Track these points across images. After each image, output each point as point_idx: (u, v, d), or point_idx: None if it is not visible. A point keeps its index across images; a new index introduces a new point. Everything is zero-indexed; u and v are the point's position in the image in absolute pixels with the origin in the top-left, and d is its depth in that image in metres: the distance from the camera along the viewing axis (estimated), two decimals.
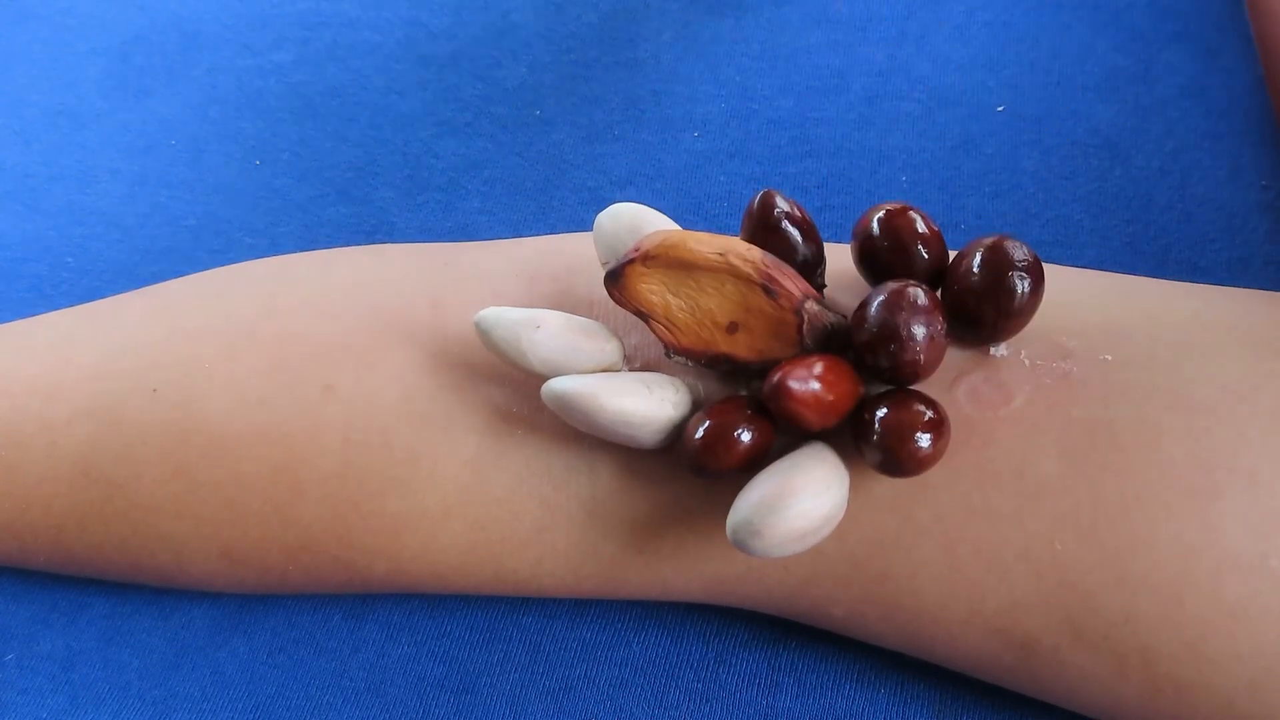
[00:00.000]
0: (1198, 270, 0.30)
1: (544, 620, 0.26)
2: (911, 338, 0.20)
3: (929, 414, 0.20)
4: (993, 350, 0.22)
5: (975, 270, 0.21)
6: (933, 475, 0.21)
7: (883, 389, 0.21)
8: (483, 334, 0.22)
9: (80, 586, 0.28)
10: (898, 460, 0.20)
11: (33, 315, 0.28)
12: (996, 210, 0.32)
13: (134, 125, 0.38)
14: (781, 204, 0.22)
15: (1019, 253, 0.21)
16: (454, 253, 0.27)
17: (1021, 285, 0.21)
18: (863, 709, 0.25)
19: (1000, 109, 0.34)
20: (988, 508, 0.21)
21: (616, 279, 0.21)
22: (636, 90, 0.37)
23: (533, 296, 0.25)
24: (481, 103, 0.37)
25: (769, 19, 0.38)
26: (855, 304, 0.21)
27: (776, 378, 0.20)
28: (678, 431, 0.22)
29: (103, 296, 0.28)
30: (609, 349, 0.23)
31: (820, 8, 0.38)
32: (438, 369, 0.24)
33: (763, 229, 0.22)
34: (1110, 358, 0.21)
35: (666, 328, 0.22)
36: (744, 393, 0.22)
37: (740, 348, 0.21)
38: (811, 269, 0.23)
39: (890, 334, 0.20)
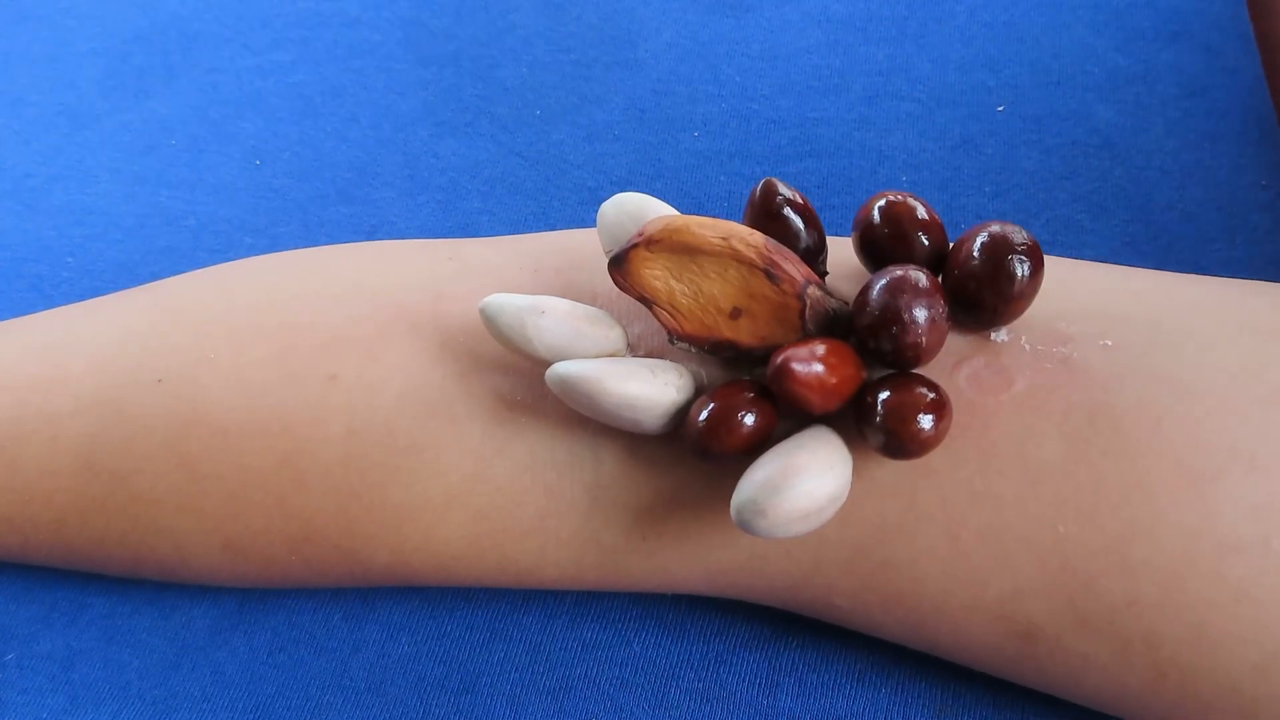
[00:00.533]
0: (1198, 270, 0.30)
1: (544, 620, 0.26)
2: (914, 320, 0.20)
3: (931, 395, 0.20)
4: (993, 335, 0.22)
5: (975, 255, 0.21)
6: (935, 460, 0.21)
7: (885, 373, 0.21)
8: (488, 320, 0.22)
9: (80, 586, 0.28)
10: (900, 441, 0.20)
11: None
12: (996, 210, 0.32)
13: (134, 125, 0.38)
14: (784, 191, 0.22)
15: (1018, 236, 0.21)
16: (457, 247, 0.27)
17: (1021, 269, 0.21)
18: (863, 709, 0.25)
19: (1000, 109, 0.34)
20: (990, 492, 0.21)
21: (620, 264, 0.22)
22: (636, 90, 0.37)
23: (536, 288, 0.25)
24: (481, 103, 0.37)
25: (769, 19, 0.38)
26: (856, 292, 0.21)
27: (780, 359, 0.20)
28: (681, 416, 0.22)
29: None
30: (613, 335, 0.23)
31: (820, 8, 0.38)
32: (442, 359, 0.24)
33: (765, 216, 0.22)
34: (1110, 342, 0.22)
35: (670, 313, 0.22)
36: (747, 378, 0.22)
37: (743, 333, 0.21)
38: (813, 256, 0.23)
39: (892, 317, 0.20)
